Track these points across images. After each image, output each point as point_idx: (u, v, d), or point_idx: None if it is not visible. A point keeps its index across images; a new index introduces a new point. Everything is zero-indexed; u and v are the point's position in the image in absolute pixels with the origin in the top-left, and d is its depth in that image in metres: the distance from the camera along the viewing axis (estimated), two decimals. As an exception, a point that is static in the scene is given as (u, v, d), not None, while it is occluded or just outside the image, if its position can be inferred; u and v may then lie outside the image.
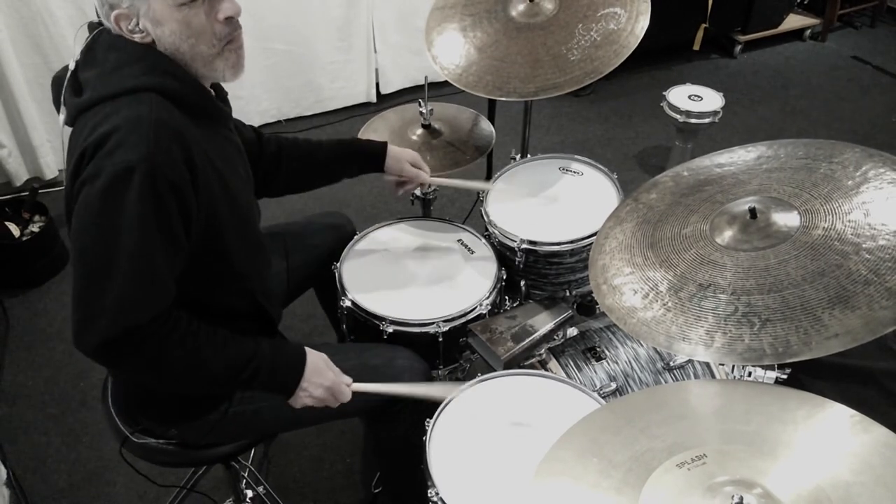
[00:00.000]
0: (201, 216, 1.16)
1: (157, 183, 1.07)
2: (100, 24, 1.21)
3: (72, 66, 1.18)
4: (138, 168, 1.06)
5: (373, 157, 1.64)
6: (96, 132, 1.09)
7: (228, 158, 1.28)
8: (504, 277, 1.68)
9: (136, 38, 1.15)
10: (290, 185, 1.63)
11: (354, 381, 1.42)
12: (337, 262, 1.69)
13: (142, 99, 1.11)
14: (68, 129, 1.19)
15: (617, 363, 1.55)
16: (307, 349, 1.32)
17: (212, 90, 1.27)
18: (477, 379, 1.40)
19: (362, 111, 3.55)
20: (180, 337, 1.16)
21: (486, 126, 1.97)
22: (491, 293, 1.62)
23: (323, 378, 1.31)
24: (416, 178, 1.69)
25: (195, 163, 1.13)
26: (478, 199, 1.88)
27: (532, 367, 1.53)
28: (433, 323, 1.55)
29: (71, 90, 1.17)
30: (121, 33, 1.15)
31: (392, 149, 1.66)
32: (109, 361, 1.19)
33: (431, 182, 1.73)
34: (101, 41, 1.18)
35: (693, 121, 2.73)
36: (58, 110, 1.19)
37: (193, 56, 1.17)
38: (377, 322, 1.55)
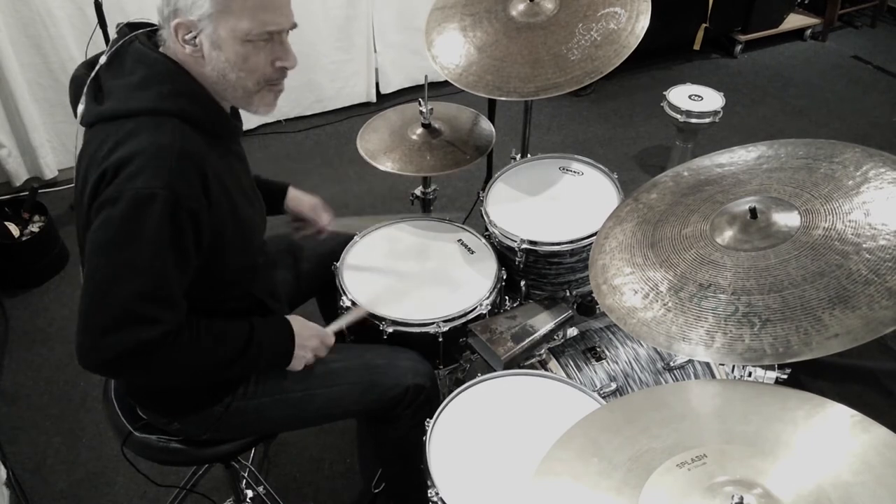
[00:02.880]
0: (210, 235, 1.18)
1: (177, 210, 1.09)
2: (132, 28, 1.21)
3: (98, 66, 1.18)
4: (160, 195, 1.08)
5: (272, 194, 1.63)
6: (116, 153, 1.10)
7: (236, 175, 1.30)
8: (504, 277, 1.68)
9: (188, 49, 1.15)
10: None
11: (356, 381, 1.44)
12: (337, 262, 1.69)
13: (164, 123, 1.13)
14: (81, 130, 1.20)
15: (617, 363, 1.54)
16: (286, 318, 1.38)
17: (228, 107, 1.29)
18: (477, 379, 1.40)
19: (362, 111, 3.55)
20: (186, 344, 1.17)
21: (487, 126, 1.97)
22: (491, 293, 1.62)
23: (309, 333, 1.39)
24: (315, 222, 1.68)
25: (210, 188, 1.15)
26: (478, 198, 1.88)
27: (532, 367, 1.53)
28: (433, 323, 1.55)
29: (92, 94, 1.18)
30: (174, 41, 1.15)
31: (293, 190, 1.66)
32: (117, 373, 1.22)
33: (331, 229, 1.70)
34: (132, 51, 1.18)
35: (693, 121, 2.73)
36: (74, 110, 1.20)
37: (236, 86, 1.20)
38: (377, 322, 1.55)
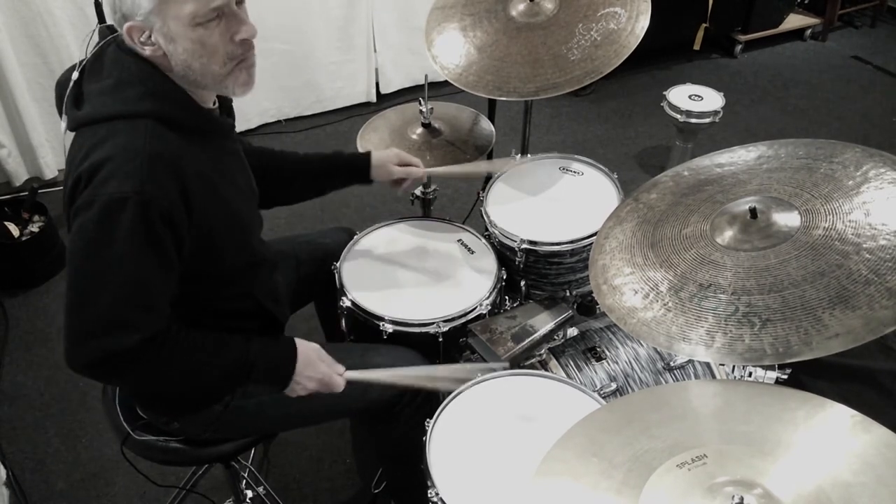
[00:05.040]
0: (195, 238, 1.17)
1: (149, 213, 1.08)
2: (112, 30, 1.21)
3: (75, 75, 1.18)
4: (131, 199, 1.07)
5: (357, 169, 1.63)
6: (90, 159, 1.10)
7: (228, 173, 1.28)
8: (504, 277, 1.68)
9: (148, 50, 1.14)
10: (276, 198, 1.60)
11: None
12: (337, 262, 1.69)
13: (137, 126, 1.12)
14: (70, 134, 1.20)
15: (617, 363, 1.54)
16: (298, 341, 1.33)
17: (216, 101, 1.28)
18: (477, 379, 1.40)
19: (362, 111, 3.55)
20: (171, 353, 1.16)
21: (487, 125, 1.97)
22: (491, 293, 1.62)
23: (315, 370, 1.32)
24: (408, 174, 1.67)
25: (189, 190, 1.14)
26: (478, 199, 1.88)
27: (532, 367, 1.53)
28: (433, 323, 1.55)
29: (73, 98, 1.18)
30: (132, 45, 1.14)
31: (375, 156, 1.64)
32: (102, 378, 1.23)
33: (427, 173, 1.70)
34: (109, 53, 1.18)
35: (693, 120, 2.73)
36: (60, 114, 1.20)
37: (204, 73, 1.17)
38: (377, 322, 1.55)
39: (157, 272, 1.13)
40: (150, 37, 1.13)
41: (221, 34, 1.15)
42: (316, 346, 1.35)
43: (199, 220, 1.16)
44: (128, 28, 1.12)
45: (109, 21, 1.17)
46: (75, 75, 1.19)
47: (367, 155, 1.64)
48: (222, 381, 1.25)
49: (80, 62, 1.20)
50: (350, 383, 1.36)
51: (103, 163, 1.08)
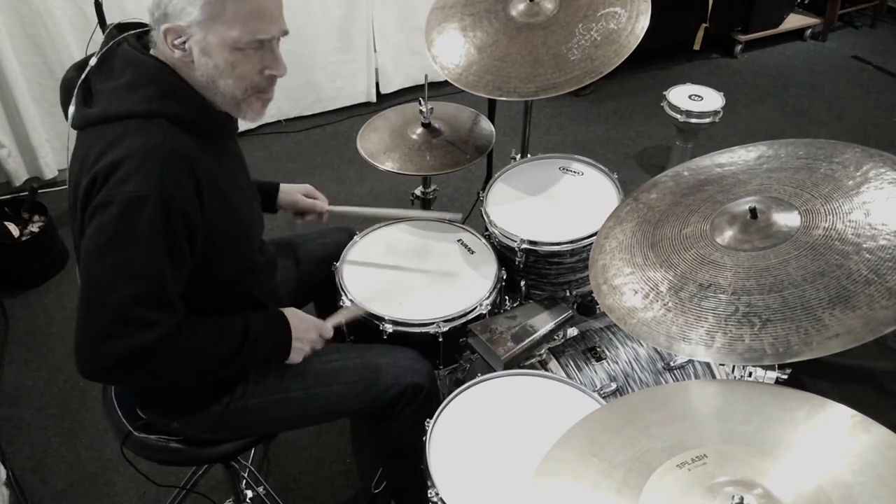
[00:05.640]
0: (204, 236, 1.18)
1: (169, 212, 1.09)
2: (121, 30, 1.21)
3: (94, 61, 1.18)
4: (151, 197, 1.08)
5: (263, 195, 1.63)
6: (106, 158, 1.09)
7: (232, 174, 1.29)
8: (504, 277, 1.68)
9: (177, 54, 1.15)
10: None
11: (355, 380, 1.44)
12: (337, 262, 1.69)
13: (153, 125, 1.12)
14: (73, 132, 1.20)
15: (617, 363, 1.54)
16: (281, 310, 1.37)
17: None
18: (477, 379, 1.40)
19: (362, 111, 3.55)
20: (184, 345, 1.17)
21: (487, 125, 1.97)
22: (491, 293, 1.62)
23: (305, 325, 1.38)
24: (313, 207, 1.71)
25: (202, 189, 1.15)
26: (478, 198, 1.88)
27: (532, 367, 1.53)
28: (433, 323, 1.55)
29: (82, 97, 1.17)
30: (162, 43, 1.15)
31: (284, 187, 1.67)
32: (118, 381, 1.24)
33: (330, 210, 1.74)
34: (120, 53, 1.18)
35: (693, 120, 2.73)
36: (65, 113, 1.20)
37: (224, 93, 1.19)
38: (377, 322, 1.55)
39: (174, 269, 1.13)
40: (184, 43, 1.14)
41: (254, 64, 1.18)
42: (291, 308, 1.40)
43: (207, 220, 1.17)
44: (166, 28, 1.13)
45: (150, 14, 1.17)
46: (93, 61, 1.18)
47: (276, 185, 1.66)
48: (229, 361, 1.25)
49: (88, 58, 1.20)
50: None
51: (121, 162, 1.08)
